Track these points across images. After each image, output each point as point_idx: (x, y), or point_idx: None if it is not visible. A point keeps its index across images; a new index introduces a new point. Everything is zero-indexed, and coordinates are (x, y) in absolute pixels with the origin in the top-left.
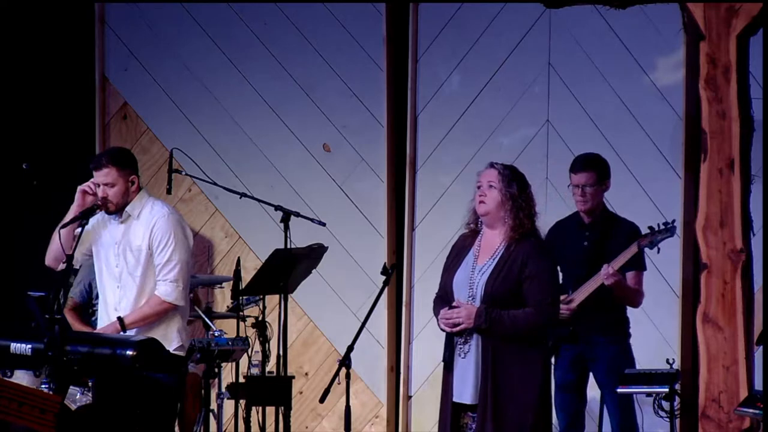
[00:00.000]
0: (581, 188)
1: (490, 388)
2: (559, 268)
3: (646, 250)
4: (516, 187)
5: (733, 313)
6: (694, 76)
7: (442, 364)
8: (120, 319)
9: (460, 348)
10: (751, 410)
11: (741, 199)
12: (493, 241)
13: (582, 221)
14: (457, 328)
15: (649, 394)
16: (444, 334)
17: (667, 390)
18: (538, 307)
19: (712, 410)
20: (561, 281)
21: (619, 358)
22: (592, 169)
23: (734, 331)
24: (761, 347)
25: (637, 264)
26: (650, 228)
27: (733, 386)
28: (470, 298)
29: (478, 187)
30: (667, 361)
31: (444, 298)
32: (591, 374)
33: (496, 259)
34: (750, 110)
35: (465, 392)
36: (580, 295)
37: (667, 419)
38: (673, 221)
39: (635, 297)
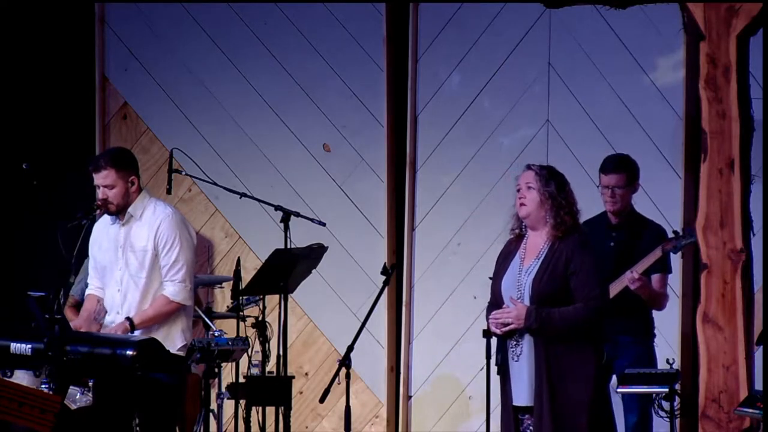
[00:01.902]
0: (611, 189)
1: (545, 389)
2: None
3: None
4: (554, 186)
5: (733, 313)
6: (694, 76)
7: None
8: (129, 319)
9: (513, 351)
10: (751, 410)
11: (741, 199)
12: (537, 242)
13: (609, 222)
14: (507, 328)
15: (649, 394)
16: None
17: (667, 390)
18: (587, 301)
19: (712, 410)
20: None
21: (642, 358)
22: (623, 170)
23: (734, 331)
24: (761, 347)
25: (663, 267)
26: (675, 232)
27: (733, 386)
28: (519, 300)
29: (518, 191)
30: (667, 361)
31: (495, 305)
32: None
33: (541, 259)
34: (750, 110)
35: (520, 395)
36: None
37: (667, 419)
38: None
39: (660, 299)
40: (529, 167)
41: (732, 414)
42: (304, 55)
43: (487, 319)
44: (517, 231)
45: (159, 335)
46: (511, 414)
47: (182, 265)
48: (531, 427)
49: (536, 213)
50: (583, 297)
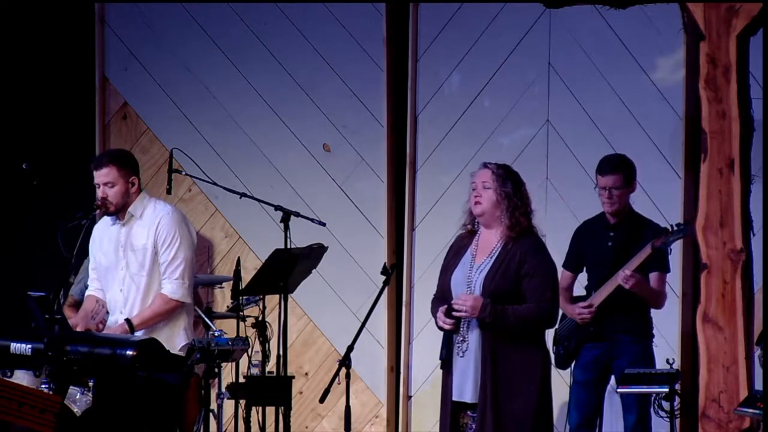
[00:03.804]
0: (609, 190)
1: (489, 386)
2: (585, 268)
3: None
4: (510, 186)
5: (733, 313)
6: (694, 76)
7: (440, 364)
8: (128, 321)
9: (458, 347)
10: (751, 410)
11: (741, 199)
12: (490, 240)
13: (607, 222)
14: (459, 314)
15: (649, 394)
16: (440, 333)
17: (667, 390)
18: (539, 303)
19: (712, 410)
20: (586, 281)
21: (641, 358)
22: (620, 171)
23: (734, 331)
24: (761, 347)
25: (661, 266)
26: (665, 229)
27: (733, 386)
28: None
29: (473, 189)
30: (667, 361)
31: (442, 299)
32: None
33: (494, 258)
34: (750, 110)
35: (465, 391)
36: (598, 297)
37: (667, 419)
38: (686, 221)
39: (658, 298)
40: (485, 165)
41: (732, 414)
42: (304, 55)
43: (432, 313)
44: (469, 227)
45: (162, 335)
46: (450, 409)
47: (181, 262)
48: (473, 425)
49: (491, 212)
50: (535, 299)
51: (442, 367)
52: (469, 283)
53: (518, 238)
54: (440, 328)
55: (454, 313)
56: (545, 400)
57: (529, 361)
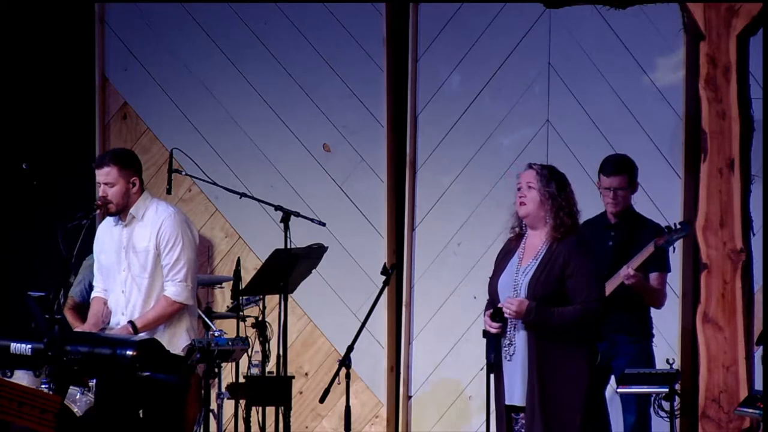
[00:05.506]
0: (613, 191)
1: (537, 389)
2: None
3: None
4: (555, 186)
5: (733, 313)
6: (694, 76)
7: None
8: (132, 323)
9: (506, 351)
10: (751, 410)
11: (741, 199)
12: (535, 242)
13: (608, 221)
14: (509, 315)
15: (648, 394)
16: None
17: (667, 390)
18: (584, 303)
19: (712, 410)
20: None
21: (640, 358)
22: (624, 172)
23: (734, 331)
24: (761, 347)
25: (661, 265)
26: (667, 228)
27: (733, 386)
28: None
29: (518, 189)
30: (667, 361)
31: (491, 303)
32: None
33: (539, 260)
34: (750, 110)
35: (514, 394)
36: None
37: (667, 419)
38: (688, 220)
39: (658, 297)
40: (530, 166)
41: (732, 414)
42: (304, 55)
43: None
44: (517, 230)
45: (164, 336)
46: (504, 413)
47: (184, 264)
48: (521, 427)
49: (536, 213)
50: (581, 299)
51: (492, 372)
52: (515, 287)
53: (562, 239)
54: (488, 333)
55: (505, 313)
56: (594, 401)
57: (576, 362)
